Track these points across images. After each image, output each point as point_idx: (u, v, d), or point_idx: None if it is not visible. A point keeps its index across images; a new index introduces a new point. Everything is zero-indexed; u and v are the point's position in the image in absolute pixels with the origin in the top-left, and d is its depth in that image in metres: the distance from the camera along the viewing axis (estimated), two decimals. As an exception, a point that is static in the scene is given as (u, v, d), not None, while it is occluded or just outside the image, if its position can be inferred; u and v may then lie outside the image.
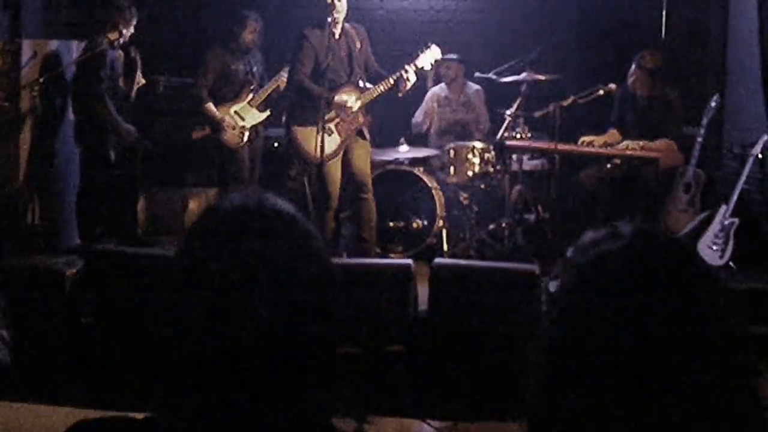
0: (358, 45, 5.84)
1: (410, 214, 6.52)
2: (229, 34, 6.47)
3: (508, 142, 6.36)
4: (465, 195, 6.61)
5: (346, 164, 5.89)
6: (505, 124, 6.39)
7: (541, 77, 6.38)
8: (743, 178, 5.67)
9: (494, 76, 6.71)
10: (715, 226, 5.66)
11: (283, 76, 6.31)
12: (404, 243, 6.49)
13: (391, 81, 5.75)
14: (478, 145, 6.51)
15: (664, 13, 7.35)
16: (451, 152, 6.52)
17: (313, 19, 5.83)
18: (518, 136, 6.42)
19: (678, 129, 6.14)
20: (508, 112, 6.38)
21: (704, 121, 5.86)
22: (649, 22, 7.41)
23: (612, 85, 6.06)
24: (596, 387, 1.01)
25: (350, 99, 5.77)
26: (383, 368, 4.25)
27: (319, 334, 1.11)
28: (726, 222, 5.64)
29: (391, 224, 6.50)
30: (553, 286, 5.25)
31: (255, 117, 6.52)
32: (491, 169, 6.51)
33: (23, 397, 3.82)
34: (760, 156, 5.73)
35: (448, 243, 6.44)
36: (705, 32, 7.15)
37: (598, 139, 6.19)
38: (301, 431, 1.10)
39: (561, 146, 6.05)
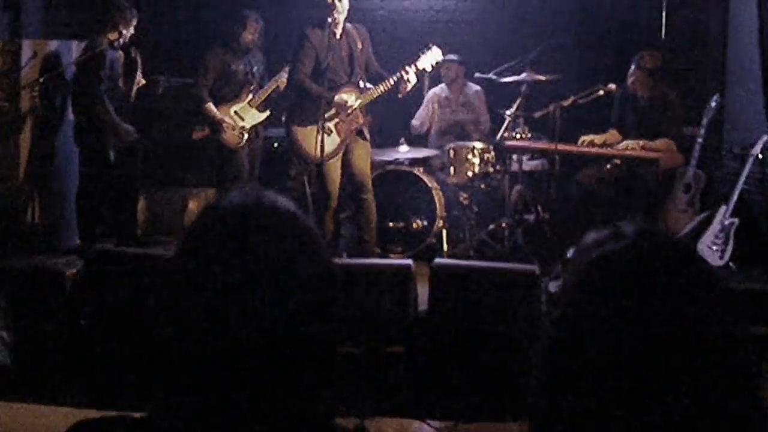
0: (360, 45, 5.84)
1: (410, 215, 6.52)
2: (229, 34, 6.47)
3: (508, 143, 6.37)
4: (465, 195, 6.61)
5: (346, 164, 5.89)
6: (505, 125, 6.39)
7: (541, 77, 6.38)
8: (743, 178, 5.67)
9: (494, 77, 6.71)
10: (714, 227, 5.66)
11: (283, 76, 6.31)
12: (404, 243, 6.49)
13: (391, 82, 5.75)
14: (478, 145, 6.51)
15: (664, 13, 7.35)
16: (451, 152, 6.52)
17: (314, 19, 5.83)
18: (518, 136, 6.42)
19: (678, 129, 6.14)
20: (508, 112, 6.38)
21: (704, 121, 5.86)
22: (649, 22, 7.41)
23: (612, 85, 6.06)
24: (598, 387, 1.01)
25: (350, 99, 5.77)
26: (383, 368, 4.25)
27: (319, 334, 1.11)
28: (726, 222, 5.64)
29: (391, 224, 6.50)
30: (553, 287, 5.25)
31: (255, 117, 6.52)
32: (491, 170, 6.51)
33: (23, 398, 3.82)
34: (760, 156, 5.73)
35: (448, 243, 6.44)
36: (705, 32, 7.15)
37: (598, 139, 6.19)
38: (301, 431, 1.10)
39: (561, 146, 6.05)
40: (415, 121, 7.22)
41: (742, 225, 5.65)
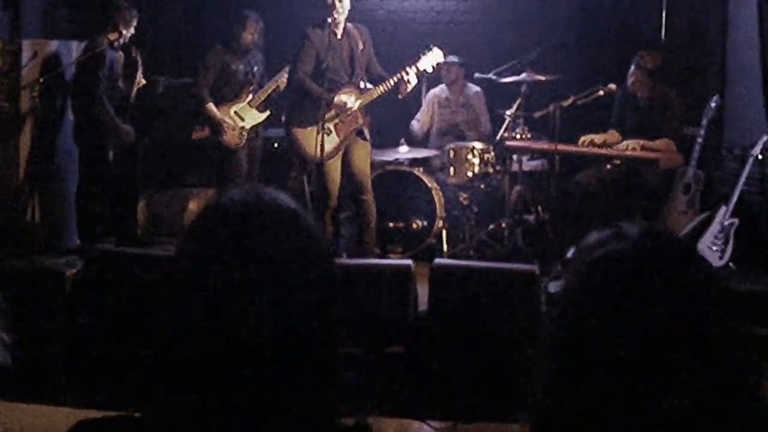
0: (361, 46, 5.84)
1: (410, 215, 6.52)
2: (229, 34, 6.47)
3: (508, 143, 6.36)
4: (465, 195, 6.61)
5: (346, 164, 5.89)
6: (505, 125, 6.39)
7: (541, 78, 6.38)
8: (743, 178, 5.66)
9: (494, 77, 6.71)
10: (714, 227, 5.65)
11: (283, 76, 6.32)
12: (404, 243, 6.49)
13: (392, 83, 5.75)
14: (478, 145, 6.51)
15: (664, 13, 7.35)
16: (451, 153, 6.52)
17: (316, 19, 5.83)
18: (518, 136, 6.42)
19: (678, 129, 6.14)
20: (508, 112, 6.38)
21: (704, 121, 5.85)
22: (649, 23, 7.41)
23: (612, 86, 6.06)
24: (599, 386, 1.01)
25: (350, 100, 5.77)
26: (383, 368, 4.25)
27: (319, 333, 1.11)
28: (726, 223, 5.63)
29: (391, 225, 6.50)
30: (552, 287, 5.25)
31: (255, 117, 6.52)
32: (491, 170, 6.51)
33: (23, 398, 3.82)
34: (759, 156, 5.72)
35: (447, 243, 6.44)
36: (705, 32, 7.15)
37: (598, 139, 6.19)
38: (302, 430, 1.10)
39: (561, 147, 6.05)
40: (414, 122, 7.22)
41: (742, 225, 5.65)
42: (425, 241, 6.44)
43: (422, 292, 4.54)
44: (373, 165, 6.22)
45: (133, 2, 6.33)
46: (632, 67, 6.09)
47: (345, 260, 5.52)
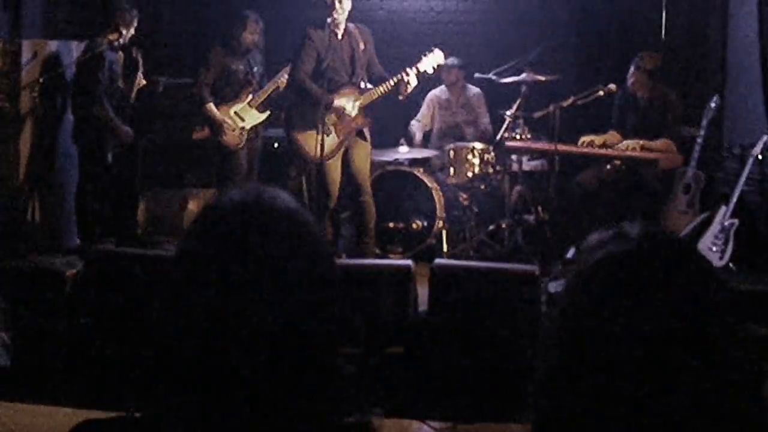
0: (362, 46, 5.84)
1: (410, 215, 6.52)
2: (229, 34, 6.47)
3: (508, 143, 6.37)
4: (465, 196, 6.61)
5: (346, 164, 5.89)
6: (504, 125, 6.39)
7: (541, 78, 6.38)
8: (743, 178, 5.66)
9: (494, 77, 6.71)
10: (714, 227, 5.65)
11: (283, 76, 6.32)
12: (404, 243, 6.49)
13: (391, 83, 5.76)
14: (478, 145, 6.52)
15: (664, 13, 7.35)
16: (451, 153, 6.52)
17: (317, 20, 5.84)
18: (518, 136, 6.42)
19: (678, 130, 6.14)
20: (508, 112, 6.38)
21: (704, 121, 5.85)
22: (649, 23, 7.41)
23: (612, 86, 6.06)
24: (600, 387, 1.01)
25: (348, 105, 5.77)
26: (383, 368, 4.25)
27: (319, 333, 1.11)
28: (726, 223, 5.63)
29: (391, 225, 6.50)
30: (552, 287, 5.25)
31: (255, 117, 6.52)
32: (491, 170, 6.51)
33: (23, 398, 3.82)
34: (759, 157, 5.72)
35: (448, 244, 6.44)
36: (705, 32, 7.15)
37: (598, 139, 6.19)
38: (302, 430, 1.10)
39: (561, 147, 6.05)
40: (414, 123, 7.21)
41: (742, 225, 5.65)
42: (425, 242, 6.44)
43: (422, 292, 4.54)
44: (373, 165, 6.22)
45: (134, 3, 6.33)
46: (632, 68, 6.09)
47: (345, 260, 5.52)
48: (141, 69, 6.42)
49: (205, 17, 7.70)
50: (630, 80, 6.11)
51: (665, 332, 1.01)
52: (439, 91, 7.22)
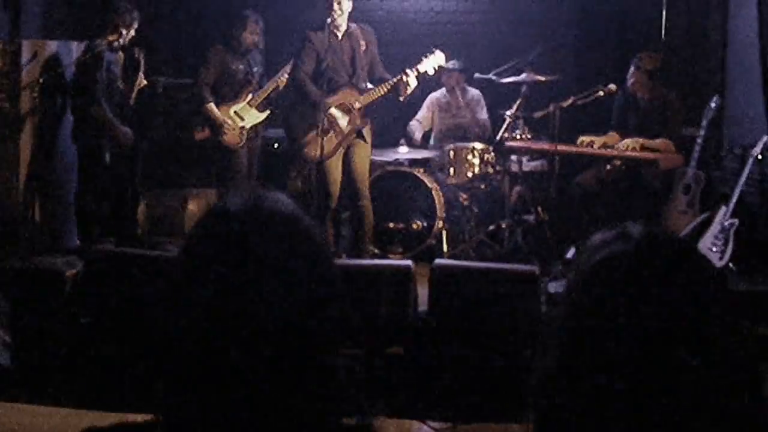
0: (363, 46, 5.84)
1: (410, 215, 6.52)
2: (229, 34, 6.47)
3: (508, 143, 6.37)
4: (465, 196, 6.61)
5: (346, 165, 5.89)
6: (504, 125, 6.39)
7: (541, 78, 6.38)
8: (743, 179, 5.66)
9: (494, 77, 6.71)
10: (714, 228, 5.65)
11: (283, 76, 6.33)
12: (404, 244, 6.49)
13: (390, 84, 5.76)
14: (478, 145, 6.52)
15: (663, 13, 7.35)
16: (451, 153, 6.52)
17: (317, 21, 5.84)
18: (518, 137, 6.42)
19: (678, 130, 6.14)
20: (508, 113, 6.38)
21: (704, 121, 5.85)
22: (648, 23, 7.41)
23: (612, 86, 6.06)
24: (601, 386, 1.01)
25: (342, 118, 5.77)
26: (383, 369, 4.25)
27: (320, 333, 1.11)
28: (726, 223, 5.63)
29: (391, 225, 6.50)
30: (552, 287, 5.25)
31: (254, 117, 6.52)
32: (491, 170, 6.51)
33: (23, 398, 3.82)
34: (759, 157, 5.72)
35: (447, 244, 6.44)
36: (705, 32, 7.15)
37: (598, 140, 6.19)
38: (303, 431, 1.10)
39: (561, 147, 6.05)
40: (413, 123, 7.20)
41: (742, 226, 5.64)
42: (425, 242, 6.44)
43: (422, 292, 4.54)
44: (373, 165, 6.22)
45: (135, 3, 6.33)
46: (632, 69, 6.09)
47: (345, 260, 5.52)
48: (142, 69, 6.42)
49: (205, 17, 7.70)
50: (630, 80, 6.11)
51: (665, 332, 1.01)
52: (439, 94, 7.22)
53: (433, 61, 5.83)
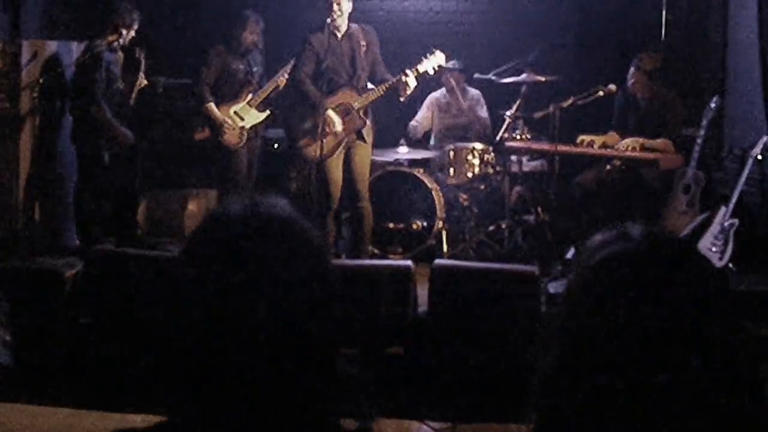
0: (364, 47, 5.84)
1: (410, 215, 6.52)
2: (229, 34, 6.47)
3: (507, 143, 6.36)
4: (465, 196, 6.61)
5: (347, 166, 5.89)
6: (504, 125, 6.39)
7: (541, 78, 6.38)
8: (743, 179, 5.66)
9: (494, 78, 6.70)
10: (714, 228, 5.65)
11: (283, 76, 6.33)
12: (404, 244, 6.49)
13: (388, 85, 5.76)
14: (478, 146, 6.52)
15: (663, 13, 7.35)
16: (451, 153, 6.52)
17: (317, 22, 5.85)
18: (518, 137, 6.42)
19: (678, 130, 6.14)
20: (507, 113, 6.38)
21: (704, 122, 5.85)
22: (648, 23, 7.41)
23: (612, 86, 6.05)
24: (602, 387, 1.01)
25: (340, 119, 5.77)
26: (383, 369, 4.25)
27: (319, 333, 1.12)
28: (726, 223, 5.63)
29: (391, 225, 6.50)
30: (552, 287, 5.25)
31: (254, 117, 6.52)
32: (491, 170, 6.51)
33: (23, 398, 3.82)
34: (759, 157, 5.72)
35: (447, 244, 6.44)
36: (705, 32, 7.15)
37: (597, 140, 6.18)
38: (302, 431, 1.10)
39: (561, 147, 6.04)
40: (413, 123, 7.21)
41: (742, 226, 5.64)
42: (425, 242, 6.44)
43: (422, 292, 4.54)
44: (373, 165, 6.22)
45: (135, 4, 6.33)
46: (632, 69, 6.09)
47: (345, 261, 5.52)
48: (143, 69, 6.42)
49: (205, 17, 7.70)
50: (630, 81, 6.11)
51: (665, 332, 1.01)
52: (438, 94, 7.21)
53: (433, 62, 5.83)
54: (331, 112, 5.73)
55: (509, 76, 6.58)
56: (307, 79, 5.81)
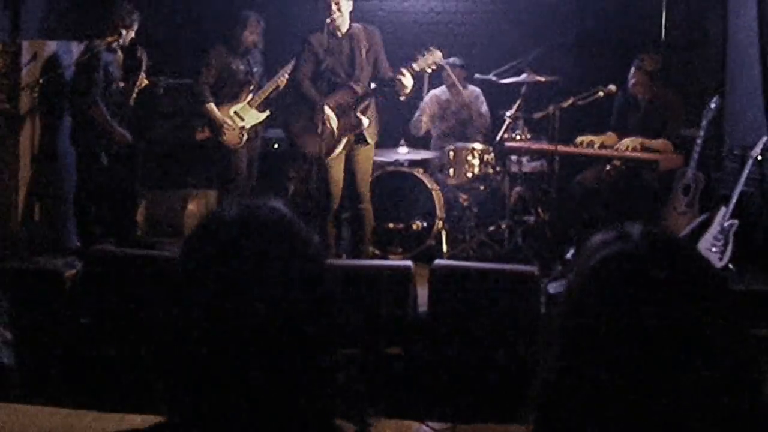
0: (365, 47, 5.83)
1: (410, 216, 6.52)
2: (229, 34, 6.48)
3: (507, 144, 6.37)
4: (465, 196, 6.61)
5: (348, 165, 5.89)
6: (504, 126, 6.39)
7: (541, 79, 6.38)
8: (743, 179, 5.66)
9: (494, 78, 6.71)
10: (714, 228, 5.65)
11: (283, 76, 6.34)
12: (404, 244, 6.49)
13: (385, 84, 5.77)
14: (478, 146, 6.52)
15: (663, 14, 7.35)
16: (451, 153, 6.52)
17: (317, 23, 5.85)
18: (518, 137, 6.42)
19: (678, 130, 6.14)
20: (508, 113, 6.38)
21: (704, 122, 5.85)
22: (648, 23, 7.41)
23: (612, 87, 6.06)
24: (602, 386, 1.02)
25: (337, 118, 5.77)
26: (383, 369, 4.25)
27: (317, 333, 1.12)
28: (725, 224, 5.63)
29: (391, 226, 6.50)
30: (552, 287, 5.25)
31: (254, 117, 6.53)
32: (491, 171, 6.51)
33: (23, 398, 3.82)
34: (759, 157, 5.72)
35: (447, 244, 6.44)
36: (705, 32, 7.15)
37: (596, 140, 6.18)
38: (301, 431, 1.10)
39: (561, 148, 6.04)
40: (414, 122, 7.22)
41: (742, 226, 5.64)
42: (425, 242, 6.44)
43: (422, 292, 4.54)
44: (373, 165, 6.22)
45: (135, 4, 6.33)
46: (632, 70, 6.09)
47: (345, 261, 5.52)
48: (144, 69, 6.41)
49: (205, 17, 7.70)
50: (631, 82, 6.10)
51: (666, 332, 1.01)
52: (439, 91, 7.21)
53: (429, 59, 5.81)
54: (328, 110, 5.73)
55: (509, 76, 6.59)
56: (307, 80, 5.82)
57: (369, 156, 5.96)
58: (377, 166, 6.46)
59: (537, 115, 6.22)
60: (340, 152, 5.84)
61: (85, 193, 6.34)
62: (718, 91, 6.43)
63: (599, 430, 1.02)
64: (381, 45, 5.92)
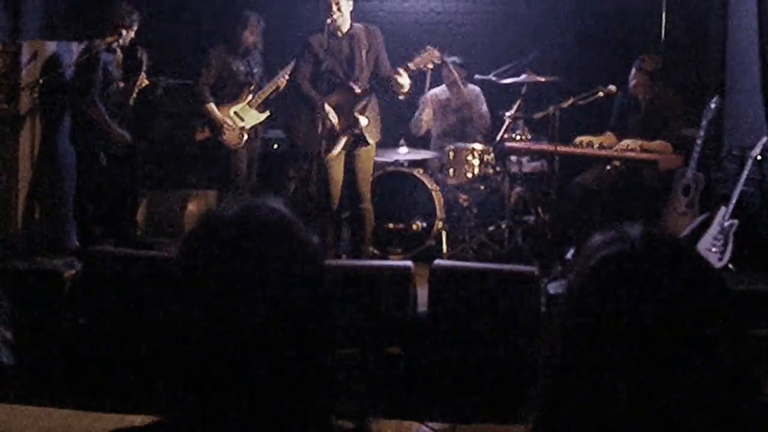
0: (365, 47, 5.83)
1: (410, 216, 6.52)
2: (230, 34, 6.48)
3: (507, 144, 6.36)
4: (464, 197, 6.61)
5: (349, 165, 5.89)
6: (504, 126, 6.39)
7: (541, 79, 6.38)
8: (743, 179, 5.66)
9: (494, 78, 6.70)
10: (714, 228, 5.65)
11: (283, 76, 6.34)
12: (404, 244, 6.49)
13: (383, 83, 5.77)
14: (478, 146, 6.52)
15: (663, 14, 7.35)
16: (451, 154, 6.52)
17: (317, 24, 5.85)
18: (518, 137, 6.42)
19: (678, 131, 6.13)
20: (507, 113, 6.38)
21: (704, 122, 5.84)
22: (648, 24, 7.41)
23: (612, 87, 6.05)
24: (602, 386, 1.02)
25: (335, 118, 5.77)
26: (383, 369, 4.25)
27: (317, 333, 1.12)
28: (725, 224, 5.63)
29: (391, 226, 6.50)
30: (552, 288, 5.25)
31: (254, 118, 6.53)
32: (491, 171, 6.51)
33: (23, 399, 3.81)
34: (759, 158, 5.72)
35: (447, 244, 6.44)
36: (705, 32, 7.15)
37: (596, 140, 6.18)
38: (301, 431, 1.10)
39: (561, 148, 6.04)
40: (414, 121, 7.22)
41: (742, 226, 5.64)
42: (425, 242, 6.44)
43: (422, 292, 4.54)
44: (374, 166, 6.22)
45: (135, 4, 6.33)
46: (633, 70, 6.09)
47: (345, 261, 5.52)
48: (144, 69, 6.41)
49: (205, 17, 7.70)
50: (632, 82, 6.10)
51: (665, 332, 1.01)
52: (439, 90, 7.21)
53: (426, 58, 5.81)
54: (328, 108, 5.74)
55: (509, 76, 6.58)
56: (306, 81, 5.83)
57: (370, 156, 5.96)
58: (377, 166, 6.46)
59: (537, 116, 6.21)
60: (340, 152, 5.84)
61: (85, 193, 6.34)
62: (718, 91, 6.43)
63: (599, 430, 1.02)
64: (382, 44, 5.91)
